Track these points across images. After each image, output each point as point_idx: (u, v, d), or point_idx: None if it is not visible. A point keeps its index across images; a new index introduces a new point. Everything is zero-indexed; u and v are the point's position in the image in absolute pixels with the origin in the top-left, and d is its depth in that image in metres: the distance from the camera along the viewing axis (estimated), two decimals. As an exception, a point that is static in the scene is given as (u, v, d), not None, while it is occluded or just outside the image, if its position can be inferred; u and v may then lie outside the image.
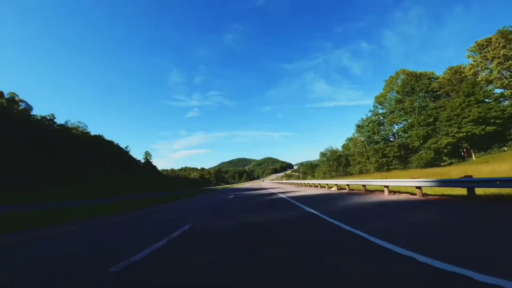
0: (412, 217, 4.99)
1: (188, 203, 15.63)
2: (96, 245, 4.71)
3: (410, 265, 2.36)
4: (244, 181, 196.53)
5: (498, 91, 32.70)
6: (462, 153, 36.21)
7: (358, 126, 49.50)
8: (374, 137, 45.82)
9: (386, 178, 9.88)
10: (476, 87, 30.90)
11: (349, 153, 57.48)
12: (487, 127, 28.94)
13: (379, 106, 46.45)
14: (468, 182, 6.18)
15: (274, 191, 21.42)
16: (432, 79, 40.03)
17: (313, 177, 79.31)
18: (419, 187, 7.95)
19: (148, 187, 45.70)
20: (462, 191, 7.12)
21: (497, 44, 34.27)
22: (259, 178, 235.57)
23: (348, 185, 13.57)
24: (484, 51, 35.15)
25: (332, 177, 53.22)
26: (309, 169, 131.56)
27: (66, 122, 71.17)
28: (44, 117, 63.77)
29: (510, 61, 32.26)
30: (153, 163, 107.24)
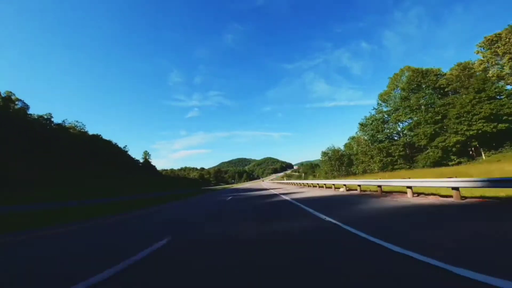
0: (480, 229, 3.56)
1: (179, 206, 14.24)
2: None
3: None
4: (244, 181, 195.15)
5: (509, 87, 31.31)
6: (471, 152, 34.81)
7: (361, 124, 48.04)
8: (378, 136, 44.39)
9: (409, 178, 8.47)
10: (487, 83, 29.51)
11: (351, 153, 56.06)
12: (499, 125, 27.54)
13: (383, 104, 45.05)
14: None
15: (275, 192, 20.01)
16: (438, 76, 38.62)
17: (314, 177, 77.94)
18: (455, 188, 6.56)
19: (145, 187, 44.38)
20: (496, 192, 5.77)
21: (507, 39, 32.89)
22: (259, 178, 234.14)
23: (359, 185, 12.18)
24: (494, 46, 33.76)
25: (334, 177, 51.83)
26: (309, 169, 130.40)
27: (63, 121, 70.03)
28: (41, 116, 62.83)
29: (522, 57, 30.87)
30: (152, 163, 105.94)
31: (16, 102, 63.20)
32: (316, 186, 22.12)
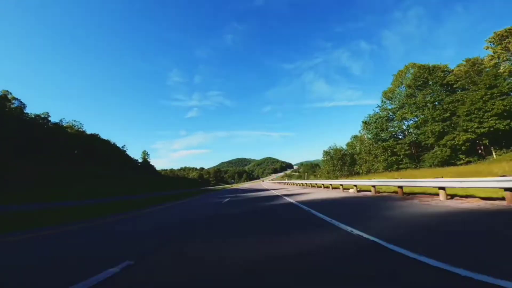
0: None
1: (169, 209, 12.83)
2: None
3: None
4: (244, 181, 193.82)
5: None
6: (480, 151, 33.45)
7: (364, 122, 46.58)
8: (382, 135, 42.97)
9: (441, 177, 7.09)
10: (499, 79, 28.14)
11: (354, 152, 54.62)
12: (512, 122, 26.17)
13: (387, 102, 43.60)
14: None
15: (277, 193, 18.61)
16: (445, 72, 37.23)
17: (315, 176, 76.59)
18: (509, 189, 5.19)
19: (142, 187, 43.02)
20: None
21: (518, 34, 31.55)
22: (259, 178, 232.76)
23: (373, 186, 10.78)
24: (505, 41, 32.41)
25: (336, 177, 50.41)
26: (309, 169, 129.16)
27: (61, 120, 68.74)
28: (38, 115, 61.67)
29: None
30: (151, 163, 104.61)
31: (13, 101, 62.08)
32: (320, 187, 20.74)
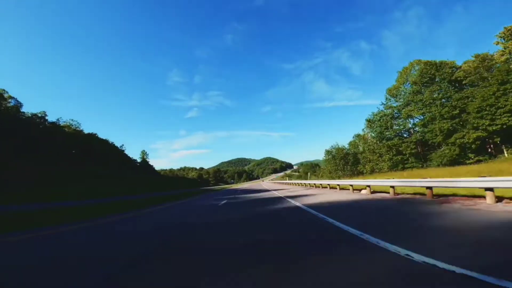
0: None
1: (155, 213, 11.51)
2: None
3: None
4: (244, 181, 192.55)
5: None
6: (489, 150, 32.13)
7: (368, 120, 45.19)
8: (386, 133, 41.64)
9: (489, 175, 5.77)
10: (511, 74, 26.84)
11: (357, 151, 53.27)
12: (526, 119, 24.88)
13: (392, 99, 42.23)
14: None
15: (279, 194, 17.28)
16: (453, 69, 35.92)
17: (316, 176, 75.28)
18: None
19: (139, 187, 41.76)
20: None
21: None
22: (259, 178, 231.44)
23: (392, 187, 9.46)
24: (516, 36, 31.11)
25: (339, 177, 49.12)
26: (310, 169, 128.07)
27: (58, 119, 67.68)
28: (35, 114, 60.63)
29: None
30: (150, 163, 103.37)
31: (9, 100, 60.96)
32: (326, 187, 19.40)
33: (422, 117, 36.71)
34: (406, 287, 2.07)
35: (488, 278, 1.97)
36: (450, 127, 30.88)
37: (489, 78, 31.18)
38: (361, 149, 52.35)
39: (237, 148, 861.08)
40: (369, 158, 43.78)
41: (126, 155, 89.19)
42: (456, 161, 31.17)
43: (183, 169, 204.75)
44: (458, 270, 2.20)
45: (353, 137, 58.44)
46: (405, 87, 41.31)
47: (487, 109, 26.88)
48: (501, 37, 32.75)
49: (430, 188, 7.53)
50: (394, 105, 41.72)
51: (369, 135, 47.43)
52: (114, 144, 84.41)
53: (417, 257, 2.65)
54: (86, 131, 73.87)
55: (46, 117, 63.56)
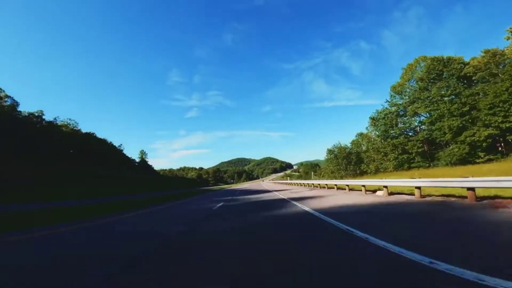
0: None
1: (140, 218, 10.23)
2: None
3: None
4: (244, 181, 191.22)
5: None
6: (500, 148, 30.85)
7: (372, 118, 43.85)
8: (391, 131, 40.33)
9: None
10: (525, 69, 25.62)
11: (360, 150, 51.96)
12: (542, 116, 23.62)
13: (397, 96, 40.90)
14: None
15: (282, 196, 15.96)
16: (461, 64, 34.63)
17: (318, 176, 74.01)
18: None
19: (136, 188, 40.54)
20: None
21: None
22: (259, 178, 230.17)
23: (418, 188, 8.15)
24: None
25: (342, 177, 47.86)
26: (310, 169, 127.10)
27: (55, 118, 66.59)
28: (32, 113, 59.49)
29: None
30: (148, 163, 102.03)
31: (5, 99, 59.82)
32: (333, 187, 18.08)
33: (429, 115, 35.41)
34: None
35: None
36: (460, 125, 29.58)
37: (500, 74, 29.90)
38: (364, 148, 51.05)
39: (237, 148, 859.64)
40: (373, 158, 42.49)
41: (124, 155, 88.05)
42: (465, 160, 29.89)
43: (183, 169, 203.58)
44: None
45: (356, 136, 57.18)
46: (411, 84, 40.02)
47: (500, 105, 25.60)
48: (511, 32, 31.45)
49: (472, 189, 6.23)
50: (399, 102, 40.40)
51: (373, 133, 46.13)
52: (112, 144, 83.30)
53: None
54: (83, 131, 72.73)
55: (43, 116, 62.53)
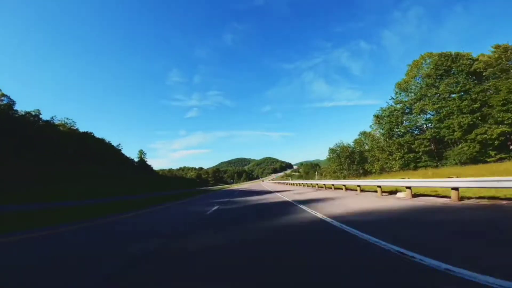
0: None
1: (121, 224, 9.01)
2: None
3: None
4: (243, 181, 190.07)
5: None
6: (511, 147, 29.70)
7: (376, 116, 42.60)
8: (396, 130, 39.13)
9: None
10: (540, 63, 24.53)
11: (363, 149, 50.76)
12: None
13: (402, 93, 39.68)
14: None
15: (284, 197, 14.71)
16: (470, 60, 33.45)
17: (321, 176, 72.92)
18: None
19: (134, 188, 39.37)
20: None
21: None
22: (259, 178, 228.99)
23: (456, 189, 6.92)
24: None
25: (344, 177, 46.67)
26: (310, 169, 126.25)
27: (52, 118, 65.55)
28: (28, 112, 58.53)
29: None
30: (148, 163, 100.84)
31: (2, 98, 58.81)
32: (341, 188, 16.80)
33: (436, 112, 34.21)
34: None
35: None
36: (471, 122, 28.40)
37: (511, 70, 28.75)
38: (367, 147, 49.86)
39: (237, 148, 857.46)
40: (378, 157, 41.28)
41: (123, 155, 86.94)
42: (476, 159, 28.74)
43: (182, 169, 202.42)
44: None
45: (359, 135, 55.99)
46: (416, 80, 38.83)
47: (514, 101, 24.48)
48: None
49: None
50: (405, 99, 39.18)
51: (377, 131, 44.92)
52: (110, 143, 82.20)
53: None
54: (81, 130, 71.59)
55: (40, 116, 61.49)
